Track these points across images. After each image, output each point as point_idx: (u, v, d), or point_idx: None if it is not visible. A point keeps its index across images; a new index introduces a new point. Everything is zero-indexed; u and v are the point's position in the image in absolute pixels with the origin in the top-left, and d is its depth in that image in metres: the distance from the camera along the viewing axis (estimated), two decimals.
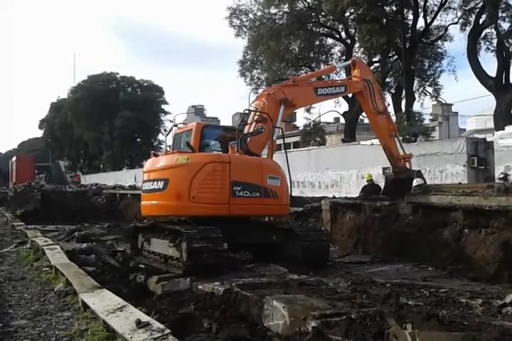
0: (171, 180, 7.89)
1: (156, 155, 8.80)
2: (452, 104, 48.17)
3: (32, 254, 9.96)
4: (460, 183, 10.41)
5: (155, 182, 8.22)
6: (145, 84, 53.96)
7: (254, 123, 8.54)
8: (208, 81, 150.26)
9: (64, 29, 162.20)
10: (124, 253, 9.96)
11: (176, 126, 9.49)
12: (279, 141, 9.59)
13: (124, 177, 39.04)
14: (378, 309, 4.34)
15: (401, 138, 19.21)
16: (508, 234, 7.04)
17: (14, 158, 34.36)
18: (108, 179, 40.66)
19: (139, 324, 4.38)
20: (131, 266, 8.70)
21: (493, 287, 6.57)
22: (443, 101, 39.34)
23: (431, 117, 49.27)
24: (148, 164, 8.88)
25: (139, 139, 54.16)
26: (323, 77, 22.27)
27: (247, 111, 8.73)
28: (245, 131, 8.51)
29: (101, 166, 60.50)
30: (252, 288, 5.92)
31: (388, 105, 11.26)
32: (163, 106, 54.33)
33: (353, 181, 20.72)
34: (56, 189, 25.56)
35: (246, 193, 7.88)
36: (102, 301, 5.48)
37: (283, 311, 4.79)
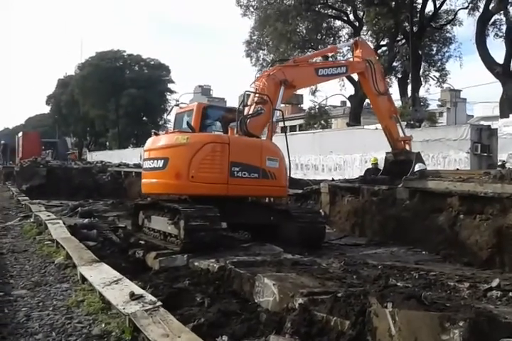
0: (171, 159, 7.99)
1: (156, 134, 8.88)
2: (461, 90, 47.84)
3: (35, 228, 10.18)
4: (457, 169, 10.45)
5: (155, 161, 8.33)
6: (152, 62, 53.80)
7: (254, 104, 8.58)
8: (215, 61, 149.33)
9: (72, 6, 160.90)
10: (125, 230, 10.16)
11: (177, 105, 9.55)
12: (282, 124, 9.65)
13: (129, 156, 39.23)
14: (363, 288, 4.47)
15: (405, 123, 19.23)
16: (501, 220, 7.10)
17: (20, 134, 34.57)
18: (114, 157, 40.85)
19: (133, 296, 4.55)
20: (131, 241, 8.89)
21: (484, 272, 6.69)
22: (451, 87, 39.06)
23: (439, 103, 48.97)
24: (148, 143, 8.97)
25: (145, 118, 54.21)
26: (331, 59, 22.13)
27: (248, 93, 8.73)
28: (245, 113, 8.56)
29: (107, 144, 60.76)
30: (246, 265, 6.06)
31: (390, 86, 11.26)
32: (170, 86, 54.32)
33: (356, 165, 20.79)
34: (62, 165, 25.80)
35: (244, 174, 7.98)
36: (100, 274, 5.66)
37: (273, 288, 4.94)
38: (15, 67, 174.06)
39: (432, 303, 3.87)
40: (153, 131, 9.04)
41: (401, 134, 10.86)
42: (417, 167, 10.08)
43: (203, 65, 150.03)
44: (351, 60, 11.38)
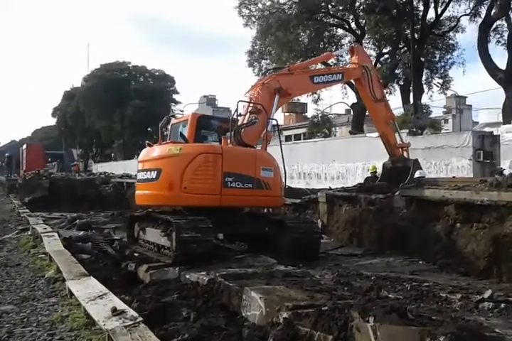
0: (164, 170, 7.94)
1: (150, 145, 8.85)
2: (466, 97, 47.63)
3: (31, 241, 10.13)
4: (454, 177, 10.32)
5: (148, 172, 8.29)
6: (156, 73, 54.15)
7: (248, 114, 8.53)
8: (220, 71, 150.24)
9: (79, 18, 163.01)
10: (121, 242, 10.08)
11: (173, 116, 9.53)
12: (288, 132, 9.62)
13: (133, 167, 39.16)
14: (347, 301, 4.36)
15: (407, 130, 19.13)
16: (498, 229, 6.96)
17: (24, 146, 34.84)
18: (119, 168, 40.90)
19: (114, 311, 4.47)
20: (126, 254, 8.81)
21: (480, 282, 6.56)
22: (456, 94, 38.91)
23: (444, 109, 48.80)
24: (142, 154, 8.94)
25: (149, 128, 54.37)
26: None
27: (241, 103, 8.66)
28: (239, 122, 8.51)
29: (112, 155, 61.00)
30: (236, 278, 5.96)
31: (387, 93, 11.27)
32: (174, 96, 54.62)
33: (359, 173, 20.64)
34: (65, 177, 25.84)
35: (238, 184, 7.89)
36: (86, 288, 5.58)
37: (259, 302, 4.83)
38: (22, 80, 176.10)
39: (417, 317, 3.76)
40: (146, 141, 9.01)
41: (399, 141, 10.78)
42: (418, 174, 9.99)
43: (208, 75, 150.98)
44: (347, 66, 11.37)
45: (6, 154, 35.15)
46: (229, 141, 8.29)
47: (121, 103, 50.37)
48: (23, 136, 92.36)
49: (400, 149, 10.64)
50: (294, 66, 10.09)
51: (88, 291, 5.42)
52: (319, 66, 18.57)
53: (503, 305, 4.85)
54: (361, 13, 25.33)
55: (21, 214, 15.41)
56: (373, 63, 22.97)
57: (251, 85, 9.09)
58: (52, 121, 69.18)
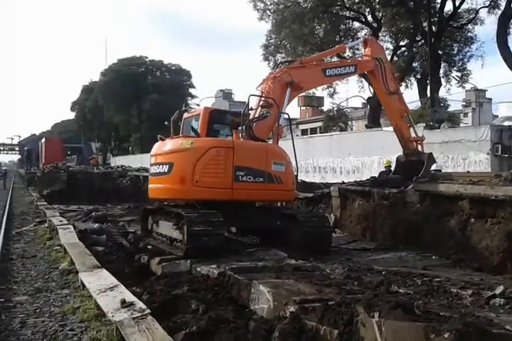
0: (176, 164, 7.97)
1: (162, 139, 8.89)
2: (486, 90, 46.76)
3: (48, 233, 10.33)
4: (468, 172, 10.16)
5: (161, 166, 8.34)
6: (173, 67, 54.38)
7: (260, 108, 8.49)
8: (236, 65, 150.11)
9: (98, 14, 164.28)
10: (136, 234, 10.19)
11: (185, 110, 9.55)
12: (304, 126, 9.56)
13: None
14: (355, 296, 4.34)
15: (424, 124, 18.91)
16: None
17: (43, 140, 35.37)
18: (136, 161, 41.33)
19: (123, 303, 4.53)
20: (140, 246, 8.91)
21: (493, 278, 6.44)
22: (475, 87, 38.26)
23: (464, 103, 48.09)
24: (155, 148, 9.00)
25: (166, 122, 54.70)
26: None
27: (252, 97, 8.63)
28: (251, 116, 8.49)
29: (130, 148, 61.55)
30: (246, 271, 5.97)
31: (401, 85, 11.10)
32: (191, 90, 54.83)
33: (375, 167, 20.51)
34: (83, 170, 26.18)
35: (249, 178, 7.89)
36: (98, 280, 5.68)
37: (268, 295, 4.85)
38: (42, 76, 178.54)
39: (424, 312, 3.73)
40: (159, 136, 9.05)
41: (413, 134, 10.64)
42: (434, 166, 9.87)
43: (224, 69, 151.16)
44: (360, 58, 11.25)
45: (26, 147, 35.78)
46: (240, 135, 8.28)
47: (138, 97, 50.77)
48: (43, 129, 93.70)
49: (414, 143, 10.48)
50: (306, 59, 9.95)
51: (100, 283, 5.51)
52: (335, 59, 18.38)
53: None
54: (377, 6, 25.01)
55: (39, 206, 15.68)
56: (390, 56, 22.74)
57: (262, 79, 9.01)
58: (71, 115, 70.19)
